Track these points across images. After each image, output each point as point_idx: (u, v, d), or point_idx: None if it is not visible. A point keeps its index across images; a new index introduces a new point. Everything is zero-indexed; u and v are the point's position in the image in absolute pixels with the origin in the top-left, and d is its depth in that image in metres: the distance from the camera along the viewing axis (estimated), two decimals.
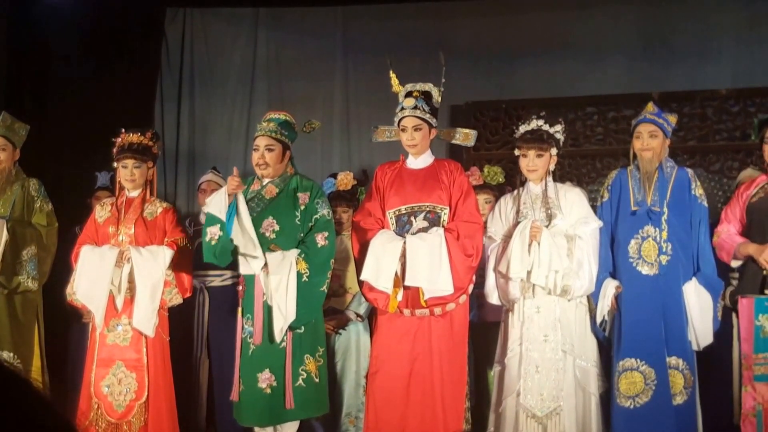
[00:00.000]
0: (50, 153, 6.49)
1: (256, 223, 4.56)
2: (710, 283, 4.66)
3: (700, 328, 4.62)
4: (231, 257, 4.51)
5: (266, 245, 4.52)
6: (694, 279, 4.66)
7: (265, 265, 4.46)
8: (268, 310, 4.48)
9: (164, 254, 4.71)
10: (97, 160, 5.90)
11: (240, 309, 4.60)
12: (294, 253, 4.48)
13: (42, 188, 5.21)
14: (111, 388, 4.66)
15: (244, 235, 4.43)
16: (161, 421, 4.68)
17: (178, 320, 5.07)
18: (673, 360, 4.60)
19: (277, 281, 4.42)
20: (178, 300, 4.79)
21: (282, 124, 4.67)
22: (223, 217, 4.42)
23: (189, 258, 4.84)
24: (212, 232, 4.49)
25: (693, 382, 4.62)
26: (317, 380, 4.55)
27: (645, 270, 4.64)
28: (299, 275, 4.45)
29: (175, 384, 4.85)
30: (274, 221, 4.56)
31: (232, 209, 4.41)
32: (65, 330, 5.61)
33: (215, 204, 4.46)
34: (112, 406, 4.66)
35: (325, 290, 4.59)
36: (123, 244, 4.74)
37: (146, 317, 4.65)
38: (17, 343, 5.01)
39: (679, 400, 4.59)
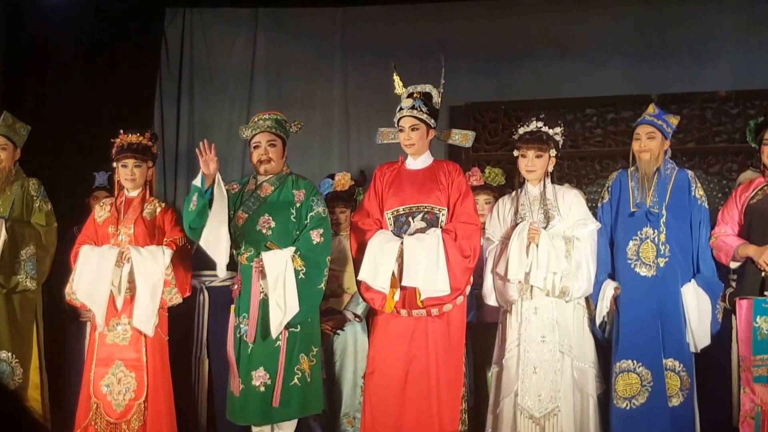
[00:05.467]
0: (49, 153, 6.50)
1: (253, 221, 4.56)
2: (709, 285, 4.66)
3: (698, 330, 4.62)
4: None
5: (262, 243, 4.53)
6: (693, 281, 4.66)
7: (260, 259, 4.48)
8: (263, 309, 4.48)
9: (164, 254, 4.72)
10: (97, 160, 5.91)
11: (233, 307, 4.60)
12: (290, 250, 4.49)
13: (41, 188, 5.22)
14: (110, 387, 4.67)
15: (215, 232, 4.38)
16: (160, 420, 4.68)
17: (178, 320, 5.08)
18: (669, 362, 4.60)
19: (274, 278, 4.43)
20: (177, 299, 4.79)
21: (277, 121, 4.70)
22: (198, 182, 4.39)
23: (188, 258, 4.84)
24: (194, 200, 4.40)
25: (690, 384, 4.62)
26: (310, 380, 4.55)
27: (643, 272, 4.64)
28: (296, 272, 4.45)
29: (175, 384, 4.85)
30: (270, 218, 4.57)
31: (209, 193, 4.35)
32: (63, 329, 5.61)
33: (197, 180, 4.42)
34: (111, 406, 4.66)
35: (323, 287, 4.59)
36: (123, 243, 4.74)
37: (146, 317, 4.65)
38: (15, 342, 5.02)
39: (675, 402, 4.60)
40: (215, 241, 4.41)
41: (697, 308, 4.62)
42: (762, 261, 4.45)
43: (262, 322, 4.48)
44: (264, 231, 4.56)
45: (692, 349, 4.65)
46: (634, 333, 4.61)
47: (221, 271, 4.50)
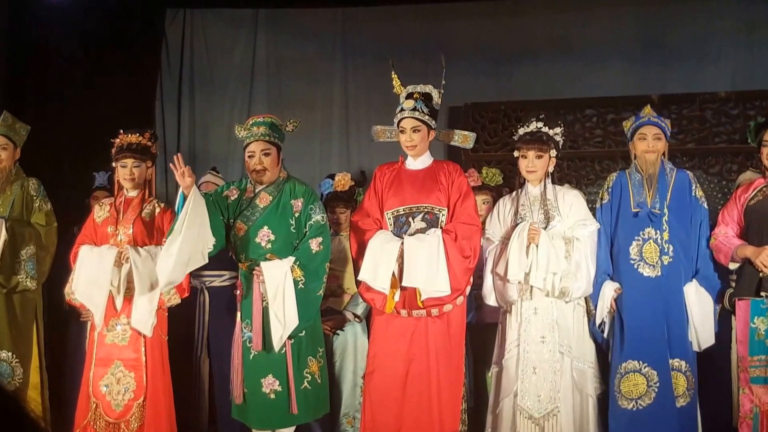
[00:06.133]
0: (50, 153, 6.50)
1: (252, 233, 4.56)
2: (711, 285, 4.66)
3: (702, 330, 4.62)
4: None
5: (262, 255, 4.52)
6: (694, 280, 4.66)
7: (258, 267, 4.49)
8: (266, 316, 4.48)
9: None
10: (97, 160, 5.91)
11: (239, 313, 4.60)
12: (289, 260, 4.48)
13: (41, 188, 5.22)
14: (110, 387, 4.67)
15: (167, 247, 4.39)
16: (159, 420, 4.68)
17: (178, 320, 5.08)
18: (675, 362, 4.60)
19: (273, 290, 4.42)
20: (176, 300, 4.79)
21: (272, 127, 4.66)
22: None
23: None
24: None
25: (694, 383, 4.62)
26: (320, 381, 4.56)
27: (646, 272, 4.64)
28: (295, 282, 4.44)
29: (175, 384, 4.86)
30: (269, 231, 4.56)
31: (180, 206, 4.39)
32: (63, 329, 5.61)
33: (179, 197, 4.46)
34: (110, 406, 4.66)
35: (322, 294, 4.59)
36: (122, 244, 4.74)
37: (144, 317, 4.65)
38: (16, 342, 5.01)
39: (682, 402, 4.59)
40: (164, 256, 4.39)
41: (699, 307, 4.62)
42: (759, 262, 4.45)
43: (266, 329, 4.48)
44: (263, 244, 4.55)
45: (695, 349, 4.65)
46: (639, 333, 4.60)
47: (163, 286, 4.51)
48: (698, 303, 4.62)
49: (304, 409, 4.51)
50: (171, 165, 4.38)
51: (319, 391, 4.57)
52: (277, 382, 4.48)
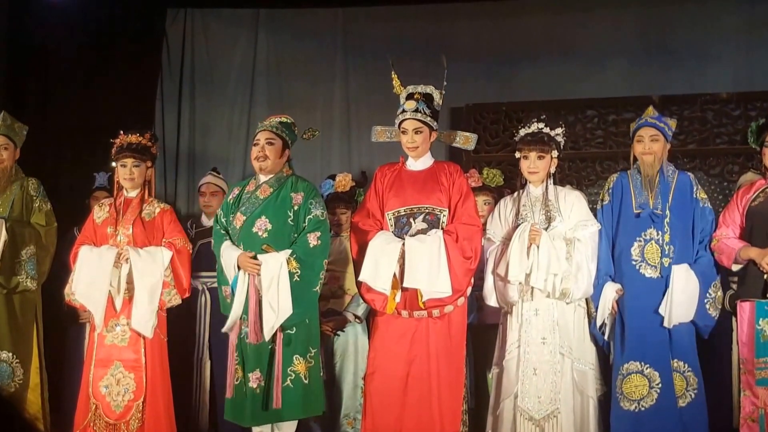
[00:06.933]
0: (50, 153, 6.51)
1: (250, 223, 4.56)
2: (702, 272, 4.59)
3: (676, 304, 4.51)
4: None
5: (258, 245, 4.53)
6: (686, 264, 4.61)
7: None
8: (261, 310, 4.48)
9: (162, 255, 4.71)
10: (97, 160, 5.91)
11: None
12: (285, 253, 4.48)
13: (41, 188, 5.23)
14: (109, 388, 4.66)
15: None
16: (159, 421, 4.67)
17: (179, 321, 5.08)
18: (674, 363, 4.59)
19: (268, 280, 4.43)
20: (177, 301, 4.79)
21: (283, 123, 4.71)
22: (230, 281, 4.54)
23: (187, 259, 4.83)
24: (226, 291, 4.62)
25: (697, 384, 4.60)
26: (306, 381, 4.51)
27: (648, 273, 4.63)
28: (290, 275, 4.44)
29: (177, 385, 4.85)
30: (267, 220, 4.56)
31: (235, 283, 4.52)
32: (63, 330, 5.60)
33: (226, 266, 4.57)
34: (110, 407, 4.66)
35: (318, 290, 4.59)
36: (121, 244, 4.74)
37: (144, 318, 4.64)
38: (16, 342, 5.02)
39: (682, 402, 4.58)
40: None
41: (683, 285, 4.52)
42: (764, 263, 4.44)
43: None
44: (260, 233, 4.55)
45: (665, 324, 4.57)
46: (640, 334, 4.59)
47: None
48: (683, 281, 4.53)
49: (285, 406, 4.48)
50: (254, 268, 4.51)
51: (305, 391, 4.52)
52: (262, 377, 4.48)
